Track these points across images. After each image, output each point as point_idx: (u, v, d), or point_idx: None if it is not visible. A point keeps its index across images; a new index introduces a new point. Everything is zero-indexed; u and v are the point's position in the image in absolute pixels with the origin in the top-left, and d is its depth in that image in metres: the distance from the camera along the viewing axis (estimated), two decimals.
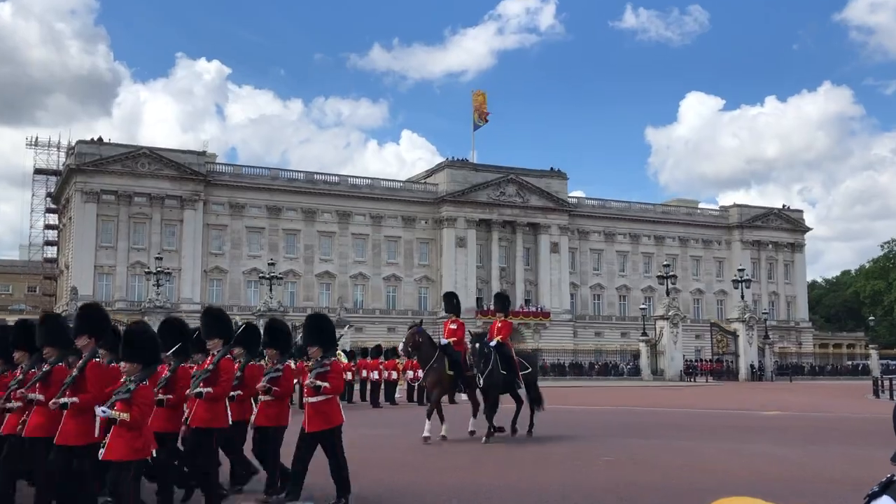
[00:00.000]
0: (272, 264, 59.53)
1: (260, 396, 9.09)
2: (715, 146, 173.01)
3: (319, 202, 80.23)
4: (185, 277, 73.35)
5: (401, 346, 15.39)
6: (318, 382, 8.44)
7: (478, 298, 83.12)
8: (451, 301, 15.57)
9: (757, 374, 60.28)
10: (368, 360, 26.88)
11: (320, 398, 8.50)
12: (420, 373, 29.15)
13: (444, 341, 15.09)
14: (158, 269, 57.66)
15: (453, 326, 15.17)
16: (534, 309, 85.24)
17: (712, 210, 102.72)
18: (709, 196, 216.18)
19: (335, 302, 73.89)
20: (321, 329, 8.84)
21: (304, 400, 8.76)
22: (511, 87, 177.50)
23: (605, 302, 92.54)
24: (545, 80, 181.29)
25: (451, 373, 14.51)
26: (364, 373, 26.27)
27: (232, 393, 8.69)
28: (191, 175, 74.11)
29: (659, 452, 13.64)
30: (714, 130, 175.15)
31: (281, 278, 62.57)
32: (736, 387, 49.19)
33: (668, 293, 62.36)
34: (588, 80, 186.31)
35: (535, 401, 16.14)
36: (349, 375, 25.16)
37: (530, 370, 15.83)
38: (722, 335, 63.84)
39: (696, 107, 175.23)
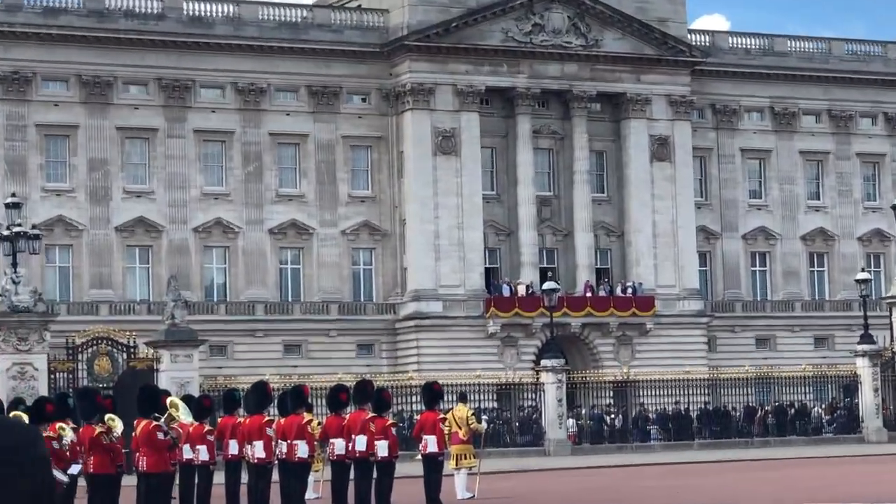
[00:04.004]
0: (15, 206, 57.14)
1: None
2: None
3: (119, 61, 76.37)
4: None
5: None
6: None
7: (487, 270, 79.31)
8: None
9: None
10: (241, 417, 29.60)
11: None
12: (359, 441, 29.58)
13: None
14: None
15: None
16: (618, 291, 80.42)
17: None
18: None
19: (162, 288, 69.91)
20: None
21: None
22: None
23: (776, 269, 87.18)
24: None
25: None
26: (232, 444, 28.95)
27: None
28: None
29: None
30: None
31: (38, 238, 57.64)
32: None
33: None
34: None
35: None
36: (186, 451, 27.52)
37: None
38: None
39: None
